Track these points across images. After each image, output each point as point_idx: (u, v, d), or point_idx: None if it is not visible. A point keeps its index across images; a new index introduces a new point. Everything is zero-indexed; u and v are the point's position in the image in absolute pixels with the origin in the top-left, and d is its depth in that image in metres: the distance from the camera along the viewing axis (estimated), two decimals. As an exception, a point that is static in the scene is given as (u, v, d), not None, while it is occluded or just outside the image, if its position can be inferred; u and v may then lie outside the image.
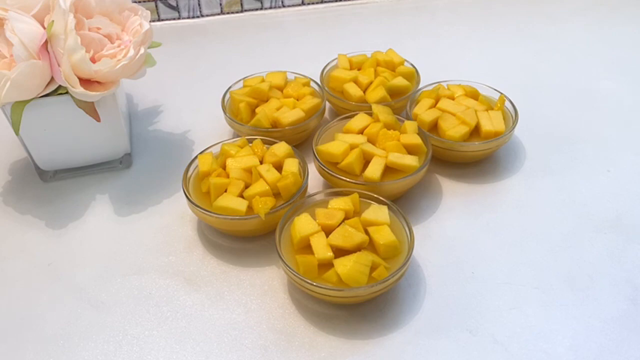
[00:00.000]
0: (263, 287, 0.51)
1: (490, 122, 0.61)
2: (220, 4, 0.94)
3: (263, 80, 0.68)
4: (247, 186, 0.54)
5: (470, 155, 0.61)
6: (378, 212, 0.50)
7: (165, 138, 0.69)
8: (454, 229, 0.56)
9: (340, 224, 0.49)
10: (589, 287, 0.50)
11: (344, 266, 0.45)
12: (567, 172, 0.62)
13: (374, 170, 0.55)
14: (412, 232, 0.49)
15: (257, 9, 0.96)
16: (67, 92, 0.53)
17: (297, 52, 0.86)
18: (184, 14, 0.94)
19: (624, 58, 0.82)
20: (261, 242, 0.55)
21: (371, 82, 0.67)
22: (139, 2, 0.91)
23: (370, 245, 0.48)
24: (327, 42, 0.88)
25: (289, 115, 0.62)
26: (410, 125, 0.58)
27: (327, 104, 0.70)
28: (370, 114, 0.61)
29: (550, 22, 0.93)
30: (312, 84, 0.69)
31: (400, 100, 0.66)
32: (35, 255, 0.55)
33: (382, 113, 0.60)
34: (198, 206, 0.52)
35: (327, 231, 0.48)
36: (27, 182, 0.63)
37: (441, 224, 0.56)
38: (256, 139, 0.58)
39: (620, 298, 0.49)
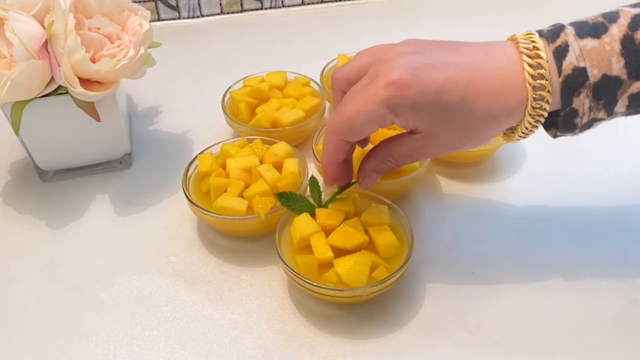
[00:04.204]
0: (263, 287, 0.51)
1: (490, 122, 0.60)
2: (220, 4, 0.94)
3: (263, 80, 0.68)
4: (247, 186, 0.54)
5: (470, 155, 0.61)
6: (378, 212, 0.50)
7: (165, 138, 0.69)
8: (454, 229, 0.56)
9: (340, 224, 0.49)
10: (589, 287, 0.50)
11: (344, 266, 0.45)
12: (567, 172, 0.62)
13: (374, 170, 0.54)
14: (412, 232, 0.49)
15: (257, 9, 0.96)
16: (67, 92, 0.53)
17: (297, 52, 0.86)
18: (184, 14, 0.94)
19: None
20: (261, 242, 0.55)
21: (371, 82, 0.67)
22: (139, 2, 0.91)
23: (370, 245, 0.48)
24: (327, 42, 0.88)
25: (289, 115, 0.62)
26: (410, 125, 0.58)
27: (327, 104, 0.69)
28: (370, 114, 0.61)
29: (550, 22, 0.92)
30: (312, 84, 0.69)
31: (400, 100, 0.66)
32: (35, 255, 0.55)
33: (382, 113, 0.60)
34: (198, 206, 0.52)
35: (327, 231, 0.48)
36: (27, 182, 0.63)
37: (441, 224, 0.56)
38: (256, 139, 0.58)
39: (620, 298, 0.49)
